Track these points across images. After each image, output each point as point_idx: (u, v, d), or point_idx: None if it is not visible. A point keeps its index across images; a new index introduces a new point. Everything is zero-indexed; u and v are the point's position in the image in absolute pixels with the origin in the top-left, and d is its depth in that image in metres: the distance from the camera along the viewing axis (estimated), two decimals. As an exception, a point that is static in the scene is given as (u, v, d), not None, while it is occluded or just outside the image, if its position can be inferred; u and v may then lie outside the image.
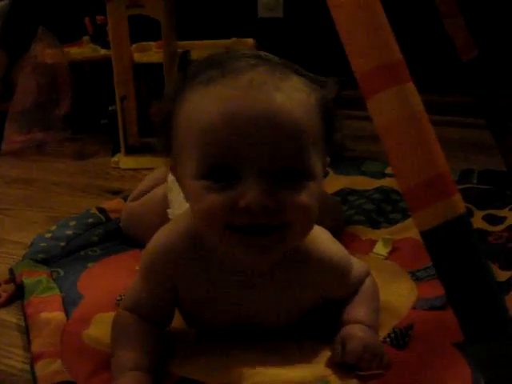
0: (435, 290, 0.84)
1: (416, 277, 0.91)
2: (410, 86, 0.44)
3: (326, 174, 0.70)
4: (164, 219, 0.87)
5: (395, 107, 0.43)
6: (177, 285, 0.72)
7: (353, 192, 1.31)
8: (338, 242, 0.76)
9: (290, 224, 0.62)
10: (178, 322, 0.78)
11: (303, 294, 0.73)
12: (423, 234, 0.44)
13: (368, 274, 0.80)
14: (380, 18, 0.44)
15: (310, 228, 0.66)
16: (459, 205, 0.43)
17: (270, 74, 0.61)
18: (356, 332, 0.70)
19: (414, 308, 0.82)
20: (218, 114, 0.60)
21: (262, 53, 0.66)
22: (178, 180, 0.70)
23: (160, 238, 0.73)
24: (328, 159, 0.69)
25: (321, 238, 0.73)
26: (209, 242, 0.68)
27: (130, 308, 0.73)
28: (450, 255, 0.44)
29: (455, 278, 0.45)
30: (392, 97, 0.43)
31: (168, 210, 0.93)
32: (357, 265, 0.78)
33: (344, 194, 1.30)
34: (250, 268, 0.70)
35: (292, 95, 0.62)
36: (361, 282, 0.78)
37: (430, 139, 0.43)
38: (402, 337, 0.73)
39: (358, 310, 0.75)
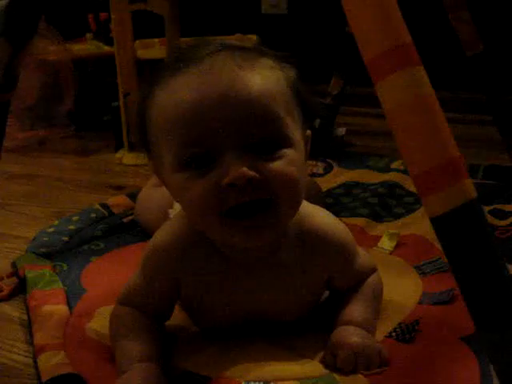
0: (440, 284, 0.83)
1: (421, 271, 0.90)
2: (420, 69, 0.43)
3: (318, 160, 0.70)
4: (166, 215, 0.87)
5: (405, 90, 0.42)
6: (179, 283, 0.71)
7: (357, 185, 1.30)
8: (338, 219, 0.75)
9: (277, 196, 0.61)
10: (182, 318, 0.78)
11: (306, 277, 0.72)
12: (434, 220, 0.43)
13: (374, 269, 0.78)
14: (390, 2, 0.43)
15: (298, 196, 0.65)
16: (471, 190, 0.42)
17: (231, 57, 0.62)
18: (347, 337, 0.68)
19: (419, 303, 0.81)
20: (184, 103, 0.61)
21: (233, 41, 0.67)
22: (163, 181, 0.70)
23: (161, 236, 0.72)
24: (309, 132, 0.69)
25: (318, 215, 0.73)
26: (207, 235, 0.68)
27: (128, 303, 0.73)
28: (462, 241, 0.43)
29: (467, 264, 0.44)
30: (401, 79, 0.42)
31: (169, 210, 0.93)
32: (363, 255, 0.77)
33: (348, 187, 1.29)
34: (250, 255, 0.69)
35: (256, 70, 0.62)
36: (366, 273, 0.77)
37: (440, 123, 0.43)
38: (407, 331, 0.73)
39: (353, 309, 0.73)
